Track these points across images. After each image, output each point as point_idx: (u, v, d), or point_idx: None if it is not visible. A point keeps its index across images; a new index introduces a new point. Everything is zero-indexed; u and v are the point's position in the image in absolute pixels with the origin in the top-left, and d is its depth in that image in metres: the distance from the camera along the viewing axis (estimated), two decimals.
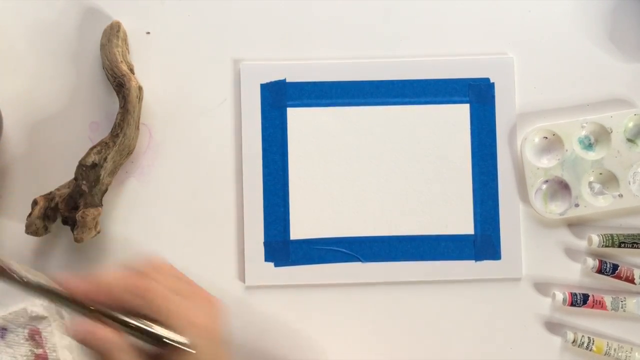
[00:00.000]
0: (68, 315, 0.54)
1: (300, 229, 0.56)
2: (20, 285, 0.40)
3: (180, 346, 0.39)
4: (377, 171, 0.56)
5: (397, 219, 0.56)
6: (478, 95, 0.56)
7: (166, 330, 0.40)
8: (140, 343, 0.40)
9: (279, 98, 0.56)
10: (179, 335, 0.40)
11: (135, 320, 0.40)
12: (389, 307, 0.56)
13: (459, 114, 0.56)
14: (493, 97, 0.56)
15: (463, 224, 0.56)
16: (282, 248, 0.55)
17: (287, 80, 0.56)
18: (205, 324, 0.41)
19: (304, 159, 0.56)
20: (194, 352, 0.40)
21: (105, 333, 0.39)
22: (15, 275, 0.40)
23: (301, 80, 0.56)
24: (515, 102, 0.56)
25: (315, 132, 0.56)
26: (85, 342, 0.40)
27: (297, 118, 0.56)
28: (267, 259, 0.55)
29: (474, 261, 0.56)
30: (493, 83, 0.56)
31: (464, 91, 0.56)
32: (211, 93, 0.56)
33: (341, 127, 0.56)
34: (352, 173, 0.56)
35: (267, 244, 0.55)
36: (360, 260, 0.56)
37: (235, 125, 0.56)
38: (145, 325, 0.40)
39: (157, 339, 0.40)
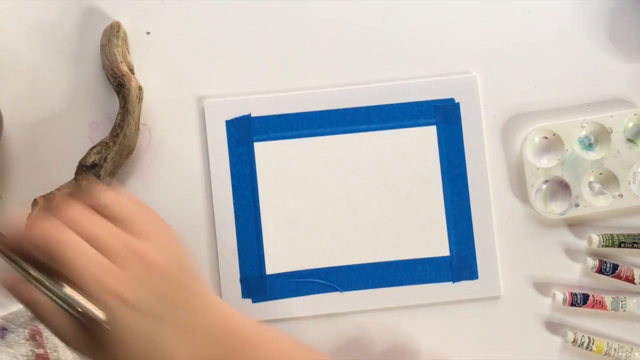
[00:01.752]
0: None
1: (275, 263, 0.55)
2: None
3: (94, 317, 0.34)
4: (349, 199, 0.56)
5: (372, 246, 0.56)
6: (444, 116, 0.56)
7: (76, 295, 0.34)
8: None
9: (245, 133, 0.56)
10: (93, 306, 0.34)
11: (45, 280, 0.34)
12: (370, 335, 0.56)
13: (427, 136, 0.56)
14: (459, 116, 0.56)
15: (438, 246, 0.56)
16: (258, 284, 0.55)
17: (252, 115, 0.56)
18: (129, 296, 0.34)
19: (275, 192, 0.56)
20: (108, 327, 0.34)
21: (27, 293, 0.35)
22: None
23: (266, 113, 0.56)
24: (481, 120, 0.56)
25: (284, 164, 0.56)
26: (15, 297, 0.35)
27: (265, 152, 0.56)
28: (244, 296, 0.55)
29: (451, 282, 0.56)
30: (458, 103, 0.56)
31: (429, 113, 0.56)
32: (180, 133, 0.56)
33: (310, 157, 0.56)
34: (324, 203, 0.56)
35: (243, 281, 0.55)
36: (338, 290, 0.55)
37: (203, 164, 0.56)
38: (54, 287, 0.34)
39: (68, 305, 0.34)
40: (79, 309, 0.34)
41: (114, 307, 0.34)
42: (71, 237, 0.35)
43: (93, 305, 0.34)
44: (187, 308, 0.37)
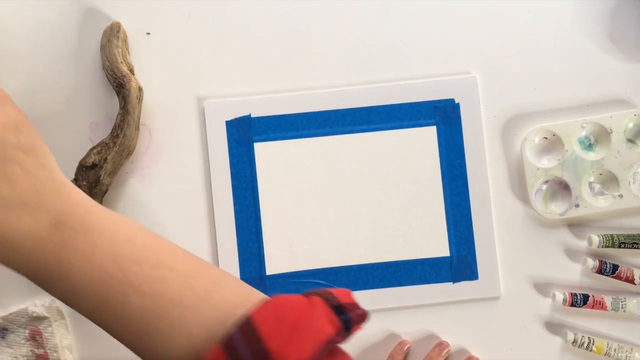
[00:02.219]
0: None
1: (275, 263, 0.55)
2: None
3: None
4: (349, 200, 0.56)
5: (372, 246, 0.56)
6: (444, 116, 0.56)
7: None
8: None
9: (245, 134, 0.56)
10: None
11: None
12: (370, 336, 0.56)
13: (427, 136, 0.56)
14: (459, 117, 0.56)
15: (438, 246, 0.56)
16: (258, 284, 0.55)
17: (252, 115, 0.56)
18: None
19: (275, 193, 0.56)
20: None
21: None
22: None
23: (266, 114, 0.56)
24: (481, 120, 0.56)
25: (284, 165, 0.56)
26: None
27: (265, 152, 0.56)
28: None
29: (451, 283, 0.56)
30: (458, 103, 0.56)
31: (430, 113, 0.56)
32: (180, 133, 0.56)
33: (309, 158, 0.56)
34: (323, 204, 0.56)
35: (243, 281, 0.55)
36: None
37: (203, 164, 0.56)
38: None
39: None
40: None
41: None
42: None
43: None
44: (21, 182, 0.36)
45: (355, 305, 0.39)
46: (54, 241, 0.36)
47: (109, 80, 0.54)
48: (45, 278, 0.36)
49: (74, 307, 0.37)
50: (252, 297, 0.38)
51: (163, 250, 0.39)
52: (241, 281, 0.41)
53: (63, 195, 0.37)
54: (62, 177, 0.37)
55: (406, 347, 0.55)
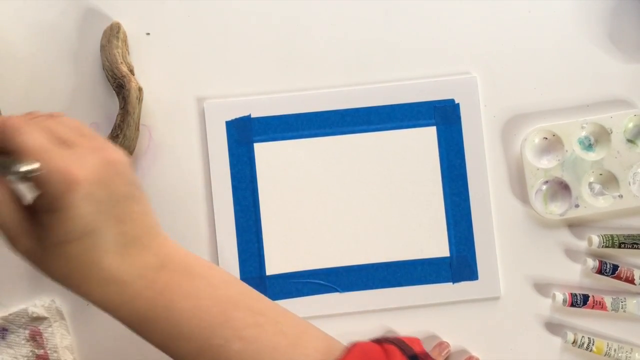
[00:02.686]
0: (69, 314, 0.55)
1: (275, 263, 0.55)
2: None
3: (28, 168, 0.33)
4: (349, 200, 0.56)
5: (372, 246, 0.56)
6: (444, 116, 0.56)
7: (8, 158, 0.33)
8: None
9: (245, 134, 0.56)
10: (30, 162, 0.33)
11: None
12: (370, 336, 0.55)
13: (427, 136, 0.56)
14: (459, 117, 0.56)
15: (438, 246, 0.56)
16: (258, 284, 0.55)
17: (252, 116, 0.56)
18: (79, 175, 0.33)
19: (275, 193, 0.56)
20: (39, 171, 0.33)
21: None
22: None
23: (266, 114, 0.56)
24: (481, 121, 0.56)
25: (284, 165, 0.56)
26: None
27: (265, 153, 0.56)
28: None
29: (451, 283, 0.56)
30: (458, 104, 0.56)
31: (429, 114, 0.56)
32: (180, 133, 0.56)
33: (309, 158, 0.56)
34: (323, 204, 0.56)
35: (243, 281, 0.55)
36: (338, 291, 0.55)
37: (203, 164, 0.56)
38: None
39: (7, 171, 0.34)
40: (14, 169, 0.33)
41: (61, 179, 0.33)
42: (30, 123, 0.35)
43: (27, 159, 0.33)
44: (135, 221, 0.36)
45: (427, 355, 0.41)
46: (162, 283, 0.36)
47: (109, 80, 0.54)
48: (148, 320, 0.36)
49: (172, 351, 0.37)
50: (335, 345, 0.40)
51: (255, 296, 0.40)
52: (318, 328, 0.42)
53: (164, 238, 0.38)
54: (157, 220, 0.38)
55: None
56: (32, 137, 0.34)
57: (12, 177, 0.34)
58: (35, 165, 0.33)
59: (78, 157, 0.34)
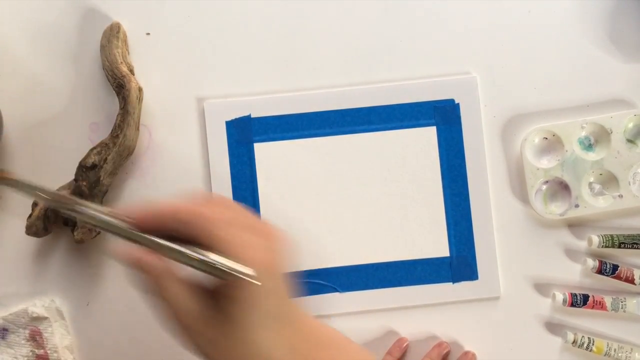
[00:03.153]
0: (68, 314, 0.55)
1: None
2: (78, 214, 0.38)
3: (242, 276, 0.35)
4: (349, 200, 0.56)
5: (372, 246, 0.56)
6: (444, 116, 0.56)
7: (226, 259, 0.36)
8: (196, 274, 0.37)
9: (245, 134, 0.56)
10: (241, 265, 0.35)
11: (188, 249, 0.36)
12: (370, 336, 0.56)
13: (427, 136, 0.56)
14: (459, 117, 0.56)
15: (438, 246, 0.56)
16: None
17: (252, 116, 0.56)
18: (264, 259, 0.36)
19: (274, 193, 0.56)
20: (259, 283, 0.35)
21: (153, 260, 0.36)
22: (76, 207, 0.37)
23: (266, 114, 0.56)
24: (481, 121, 0.56)
25: (284, 165, 0.56)
26: (133, 267, 0.37)
27: (265, 153, 0.56)
28: None
29: (451, 283, 0.56)
30: (458, 104, 0.56)
31: (429, 114, 0.56)
32: (180, 133, 0.56)
33: (309, 158, 0.56)
34: (323, 204, 0.56)
35: None
36: (338, 291, 0.55)
37: (203, 164, 0.56)
38: (200, 254, 0.36)
39: (214, 268, 0.36)
40: (226, 270, 0.35)
41: (260, 271, 0.36)
42: (217, 212, 0.37)
43: (240, 265, 0.35)
44: (287, 299, 0.39)
45: None
46: (305, 356, 0.38)
47: (109, 80, 0.54)
48: None
49: None
50: None
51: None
52: None
53: (306, 316, 0.41)
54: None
55: (405, 345, 0.55)
56: (230, 234, 0.36)
57: (197, 267, 0.36)
58: (252, 273, 0.35)
59: (258, 244, 0.37)
